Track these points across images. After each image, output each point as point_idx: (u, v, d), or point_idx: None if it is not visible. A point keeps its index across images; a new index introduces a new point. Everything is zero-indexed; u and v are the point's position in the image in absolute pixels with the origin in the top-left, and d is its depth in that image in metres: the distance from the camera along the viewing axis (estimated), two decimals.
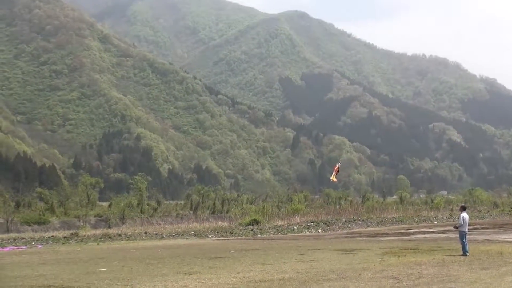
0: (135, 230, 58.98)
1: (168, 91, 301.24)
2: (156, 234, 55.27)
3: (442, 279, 19.44)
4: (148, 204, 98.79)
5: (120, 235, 53.44)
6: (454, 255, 27.14)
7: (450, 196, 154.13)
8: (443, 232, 49.38)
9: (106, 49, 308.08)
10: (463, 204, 31.72)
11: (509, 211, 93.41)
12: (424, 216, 78.46)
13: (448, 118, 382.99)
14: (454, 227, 30.03)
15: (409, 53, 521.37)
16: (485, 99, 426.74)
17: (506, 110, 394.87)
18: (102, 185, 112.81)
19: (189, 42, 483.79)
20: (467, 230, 28.08)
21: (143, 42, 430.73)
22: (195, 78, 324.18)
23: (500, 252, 28.08)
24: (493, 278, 19.59)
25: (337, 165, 56.70)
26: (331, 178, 72.82)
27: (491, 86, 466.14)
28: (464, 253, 27.03)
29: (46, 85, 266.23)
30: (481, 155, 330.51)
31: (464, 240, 27.44)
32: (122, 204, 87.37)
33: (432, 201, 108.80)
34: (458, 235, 28.52)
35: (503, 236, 41.48)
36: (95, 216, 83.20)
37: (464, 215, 28.28)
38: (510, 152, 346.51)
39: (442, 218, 78.22)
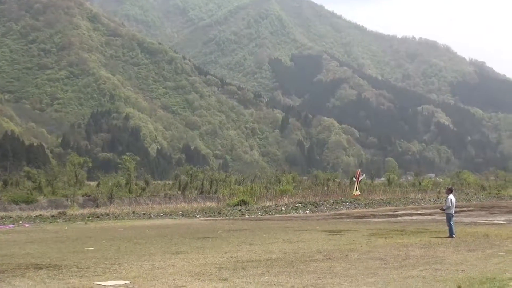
0: (123, 210, 58.89)
1: (157, 71, 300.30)
2: (144, 214, 55.23)
3: (428, 261, 19.51)
4: (136, 184, 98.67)
5: (108, 214, 53.33)
6: (440, 237, 27.24)
7: (437, 179, 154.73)
8: (430, 214, 49.57)
9: (95, 28, 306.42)
10: (450, 187, 31.77)
11: (496, 194, 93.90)
12: (412, 198, 78.75)
13: (437, 100, 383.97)
14: (441, 209, 30.12)
15: (399, 36, 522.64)
16: (474, 82, 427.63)
17: (494, 93, 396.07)
18: (90, 165, 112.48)
19: (178, 22, 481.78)
20: (453, 212, 28.18)
21: (132, 22, 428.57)
22: (184, 58, 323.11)
23: (486, 234, 28.19)
24: (479, 260, 19.67)
25: (358, 174, 56.74)
26: (354, 193, 73.02)
27: (480, 69, 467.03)
28: (451, 235, 27.11)
29: (35, 64, 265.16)
30: (469, 138, 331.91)
31: (451, 222, 27.52)
32: (110, 184, 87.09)
33: (419, 183, 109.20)
34: (445, 217, 28.61)
35: (489, 219, 41.67)
36: (83, 196, 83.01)
37: (451, 197, 28.36)
38: (498, 135, 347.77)
39: (430, 200, 78.55)
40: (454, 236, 26.98)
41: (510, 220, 40.71)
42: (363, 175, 64.67)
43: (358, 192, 72.40)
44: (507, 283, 14.70)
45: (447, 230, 27.75)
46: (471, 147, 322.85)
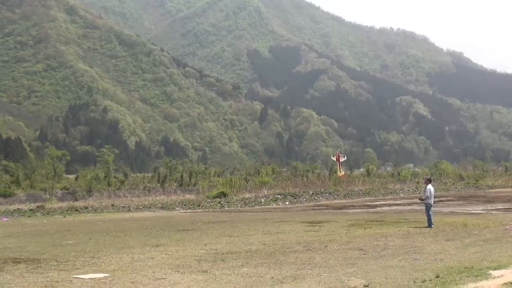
0: (102, 203, 58.70)
1: (135, 63, 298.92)
2: (123, 206, 55.08)
3: (407, 251, 19.61)
4: (115, 177, 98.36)
5: (86, 207, 53.14)
6: (419, 227, 27.37)
7: (416, 169, 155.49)
8: (409, 204, 49.78)
9: (72, 20, 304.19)
10: (428, 177, 31.95)
11: (474, 183, 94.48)
12: (391, 189, 79.00)
13: (415, 91, 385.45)
14: (420, 199, 30.27)
15: (377, 27, 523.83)
16: (451, 73, 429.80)
17: (472, 83, 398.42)
18: (69, 158, 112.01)
19: (156, 14, 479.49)
20: (432, 202, 28.34)
21: (110, 14, 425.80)
22: (162, 50, 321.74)
23: (464, 224, 28.37)
24: (457, 249, 19.79)
25: (338, 155, 56.87)
26: (339, 174, 73.13)
27: (458, 59, 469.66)
28: (430, 225, 27.26)
29: (11, 57, 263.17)
30: (447, 128, 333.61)
31: (429, 212, 27.67)
32: (89, 177, 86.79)
33: (398, 173, 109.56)
34: (424, 208, 28.76)
35: (467, 208, 41.92)
36: (61, 189, 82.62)
37: (430, 187, 28.55)
38: (476, 125, 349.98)
39: (408, 190, 78.84)
40: (432, 226, 27.13)
41: (488, 209, 40.99)
42: (344, 156, 64.71)
43: (343, 173, 72.47)
44: (485, 272, 14.81)
45: (426, 220, 27.91)
46: (449, 137, 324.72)
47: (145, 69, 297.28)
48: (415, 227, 27.73)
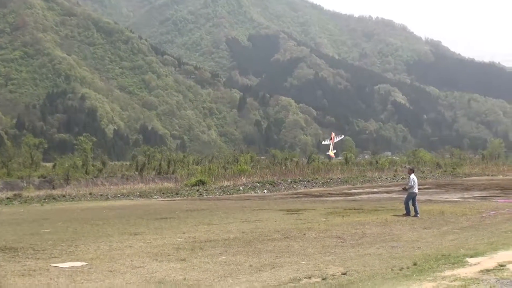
0: (79, 191, 58.39)
1: (113, 51, 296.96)
2: (101, 195, 54.86)
3: (384, 238, 19.71)
4: (93, 165, 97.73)
5: (64, 196, 52.84)
6: (397, 215, 27.52)
7: (394, 157, 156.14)
8: (387, 192, 50.06)
9: (49, 7, 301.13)
10: (411, 167, 32.18)
11: (451, 171, 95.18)
12: (369, 177, 79.32)
13: (393, 79, 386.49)
14: (404, 189, 30.43)
15: (356, 15, 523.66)
16: (430, 61, 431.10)
17: (450, 72, 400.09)
18: (46, 146, 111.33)
19: (134, 1, 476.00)
20: (417, 191, 28.49)
21: (88, 1, 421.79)
22: (140, 38, 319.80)
23: (441, 211, 28.56)
24: (434, 237, 19.92)
25: (333, 137, 57.22)
26: (330, 153, 73.55)
27: (436, 48, 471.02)
28: (416, 214, 27.36)
29: None
30: (425, 116, 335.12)
31: (415, 202, 27.79)
32: (67, 165, 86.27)
33: (376, 162, 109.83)
34: (404, 196, 28.87)
35: (444, 196, 42.21)
36: (39, 177, 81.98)
37: (413, 177, 28.72)
38: (454, 114, 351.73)
39: (386, 178, 79.23)
40: (418, 215, 27.23)
41: (465, 197, 41.30)
42: (341, 136, 65.20)
43: (333, 153, 72.84)
44: (462, 259, 14.92)
45: (404, 208, 28.06)
46: (427, 126, 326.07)
47: (123, 57, 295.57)
48: (393, 215, 27.88)
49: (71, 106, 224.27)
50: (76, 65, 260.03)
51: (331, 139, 74.77)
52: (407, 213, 27.39)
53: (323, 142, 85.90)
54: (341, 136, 77.20)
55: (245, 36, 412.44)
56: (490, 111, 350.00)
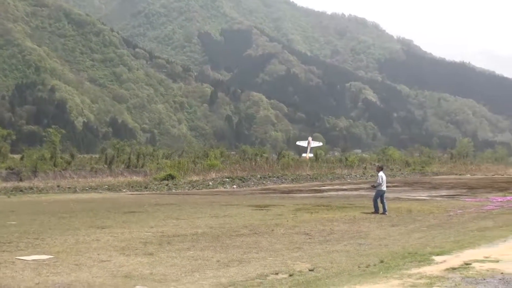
0: (47, 184, 58.01)
1: (84, 43, 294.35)
2: (69, 187, 54.53)
3: (352, 236, 19.80)
4: (61, 157, 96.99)
5: (32, 188, 52.43)
6: (366, 213, 27.66)
7: (364, 155, 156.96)
8: (356, 189, 50.31)
9: None
10: (380, 164, 32.37)
11: (420, 170, 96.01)
12: (338, 174, 79.75)
13: (364, 77, 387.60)
14: (372, 186, 30.57)
15: (329, 12, 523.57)
16: (401, 60, 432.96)
17: (421, 71, 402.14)
18: (14, 137, 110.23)
19: None
20: (385, 188, 28.62)
21: None
22: (112, 30, 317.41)
23: (409, 209, 28.78)
24: (401, 235, 20.06)
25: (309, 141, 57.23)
26: (304, 155, 73.61)
27: (408, 47, 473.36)
28: (384, 211, 27.50)
29: None
30: (395, 114, 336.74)
31: (383, 199, 27.93)
32: (35, 157, 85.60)
33: (346, 159, 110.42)
34: (373, 194, 28.99)
35: (412, 194, 42.53)
36: (6, 169, 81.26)
37: (382, 174, 28.84)
38: (424, 113, 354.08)
39: (356, 176, 79.68)
40: (386, 212, 27.38)
41: (432, 195, 41.64)
42: (320, 143, 65.27)
43: (307, 156, 72.88)
44: (428, 257, 15.02)
45: (372, 206, 28.21)
46: (397, 124, 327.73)
47: (95, 49, 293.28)
48: (361, 212, 28.02)
49: (41, 97, 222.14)
50: (46, 57, 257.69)
51: (308, 142, 74.73)
52: (376, 211, 27.53)
53: (297, 143, 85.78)
54: (319, 143, 77.25)
55: (217, 31, 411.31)
56: (460, 111, 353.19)
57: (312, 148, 71.54)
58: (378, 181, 28.56)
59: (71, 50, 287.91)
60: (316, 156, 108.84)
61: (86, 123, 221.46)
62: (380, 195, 28.05)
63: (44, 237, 19.27)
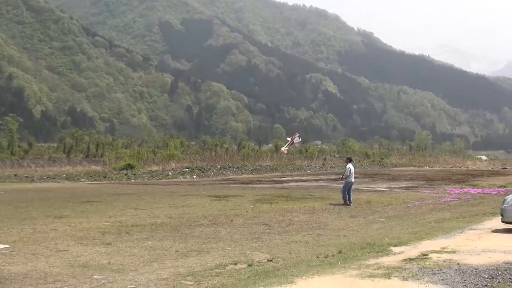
0: (4, 172, 57.43)
1: (42, 30, 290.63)
2: (26, 176, 54.02)
3: (311, 226, 19.86)
4: (19, 146, 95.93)
5: None
6: (334, 204, 27.77)
7: (324, 146, 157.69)
8: (316, 181, 50.51)
9: None
10: (349, 156, 32.51)
11: (379, 161, 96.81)
12: (298, 165, 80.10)
13: (325, 69, 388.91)
14: (340, 178, 30.69)
15: (290, 3, 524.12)
16: (361, 52, 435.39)
17: (381, 63, 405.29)
18: None
19: None
20: (353, 180, 28.73)
21: None
22: (71, 18, 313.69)
23: (368, 201, 28.98)
24: (360, 226, 20.17)
25: (294, 137, 56.95)
26: (282, 149, 73.46)
27: (368, 39, 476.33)
28: (346, 202, 27.64)
29: None
30: (355, 106, 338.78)
31: (350, 192, 28.05)
32: None
33: (306, 150, 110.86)
34: (342, 186, 29.06)
35: (372, 186, 42.86)
36: None
37: (350, 166, 28.98)
38: (383, 105, 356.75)
39: (315, 167, 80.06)
40: (351, 204, 27.52)
41: (391, 187, 41.99)
42: (299, 138, 65.16)
43: (285, 150, 72.93)
44: (386, 248, 15.13)
45: (341, 198, 28.36)
46: (357, 116, 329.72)
47: (53, 37, 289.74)
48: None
49: None
50: (3, 44, 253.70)
51: (292, 138, 74.58)
52: (345, 202, 27.60)
53: (288, 138, 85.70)
54: (299, 139, 76.80)
55: (178, 20, 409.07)
56: (419, 103, 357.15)
57: (292, 145, 71.46)
58: (346, 173, 28.69)
59: (29, 37, 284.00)
60: (276, 147, 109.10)
61: (44, 111, 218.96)
62: (348, 186, 28.17)
63: (0, 227, 19.02)
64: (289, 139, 79.61)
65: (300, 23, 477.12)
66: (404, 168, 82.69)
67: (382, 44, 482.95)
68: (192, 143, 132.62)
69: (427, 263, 13.04)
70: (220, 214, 23.10)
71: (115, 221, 20.72)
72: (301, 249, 15.17)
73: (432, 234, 17.92)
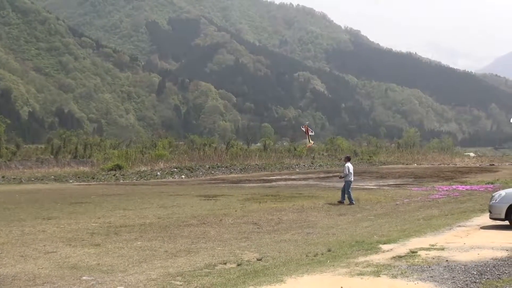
0: None
1: (29, 31, 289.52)
2: (14, 178, 53.82)
3: (300, 225, 19.89)
4: (6, 148, 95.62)
5: None
6: (313, 202, 27.79)
7: (312, 144, 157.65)
8: (305, 179, 50.55)
9: None
10: (347, 155, 32.43)
11: (368, 159, 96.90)
12: (287, 164, 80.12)
13: (313, 67, 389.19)
14: (339, 177, 30.68)
15: (277, 2, 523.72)
16: (349, 50, 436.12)
17: (368, 61, 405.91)
18: None
19: None
20: (352, 179, 28.69)
21: None
22: (58, 18, 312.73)
23: (357, 198, 28.98)
24: (349, 224, 20.21)
25: (307, 128, 57.03)
26: (308, 144, 73.28)
27: (355, 37, 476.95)
28: (345, 201, 27.64)
29: None
30: (343, 105, 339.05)
31: (349, 190, 28.01)
32: None
33: (295, 149, 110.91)
34: (343, 185, 28.97)
35: (360, 184, 42.85)
36: None
37: (349, 165, 28.88)
38: (371, 103, 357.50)
39: (304, 165, 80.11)
40: (343, 201, 27.56)
41: (380, 185, 42.05)
42: (312, 132, 65.10)
43: (311, 143, 72.77)
44: (375, 246, 15.16)
45: (339, 197, 28.36)
46: (345, 114, 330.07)
47: (40, 38, 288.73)
48: (310, 202, 28.13)
49: None
50: None
51: (306, 131, 74.36)
52: (351, 202, 27.51)
53: (301, 127, 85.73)
54: (312, 132, 76.63)
55: (165, 20, 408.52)
56: (406, 101, 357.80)
57: (310, 136, 71.10)
58: (345, 172, 28.62)
59: (15, 38, 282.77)
60: (264, 146, 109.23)
61: (31, 112, 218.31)
62: (349, 185, 28.12)
63: None
64: (303, 129, 79.07)
65: (287, 21, 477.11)
66: (392, 166, 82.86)
67: (369, 42, 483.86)
68: (181, 143, 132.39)
69: (416, 260, 13.07)
70: (209, 214, 23.10)
71: (104, 222, 20.68)
72: (290, 248, 15.19)
73: (420, 231, 17.96)
